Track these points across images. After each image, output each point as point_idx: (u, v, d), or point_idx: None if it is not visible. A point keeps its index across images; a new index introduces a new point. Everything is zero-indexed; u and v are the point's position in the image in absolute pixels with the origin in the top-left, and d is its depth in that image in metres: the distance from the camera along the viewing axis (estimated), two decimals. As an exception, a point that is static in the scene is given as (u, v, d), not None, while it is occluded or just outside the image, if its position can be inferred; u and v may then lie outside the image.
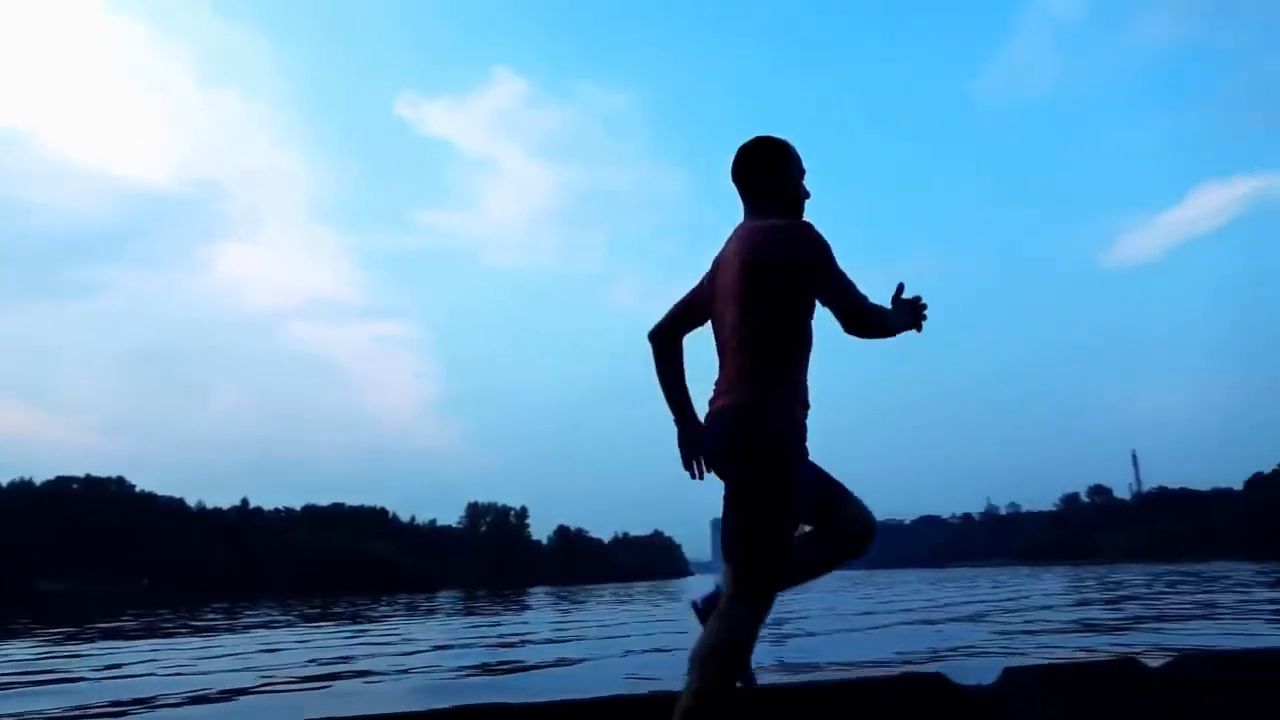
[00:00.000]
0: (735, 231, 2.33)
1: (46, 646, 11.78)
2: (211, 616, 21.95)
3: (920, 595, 18.31)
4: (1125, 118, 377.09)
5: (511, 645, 9.57)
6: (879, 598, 17.30)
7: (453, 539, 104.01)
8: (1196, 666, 2.86)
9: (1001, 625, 9.11)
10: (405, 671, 6.96)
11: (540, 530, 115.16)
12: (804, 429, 2.19)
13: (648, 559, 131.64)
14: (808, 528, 2.31)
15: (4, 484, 70.94)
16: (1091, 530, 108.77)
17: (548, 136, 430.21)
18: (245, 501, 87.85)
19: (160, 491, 79.61)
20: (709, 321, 2.40)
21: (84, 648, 11.40)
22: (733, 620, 2.08)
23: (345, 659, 8.28)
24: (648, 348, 2.47)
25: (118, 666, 8.22)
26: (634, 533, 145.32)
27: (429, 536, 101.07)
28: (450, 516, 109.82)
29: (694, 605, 2.32)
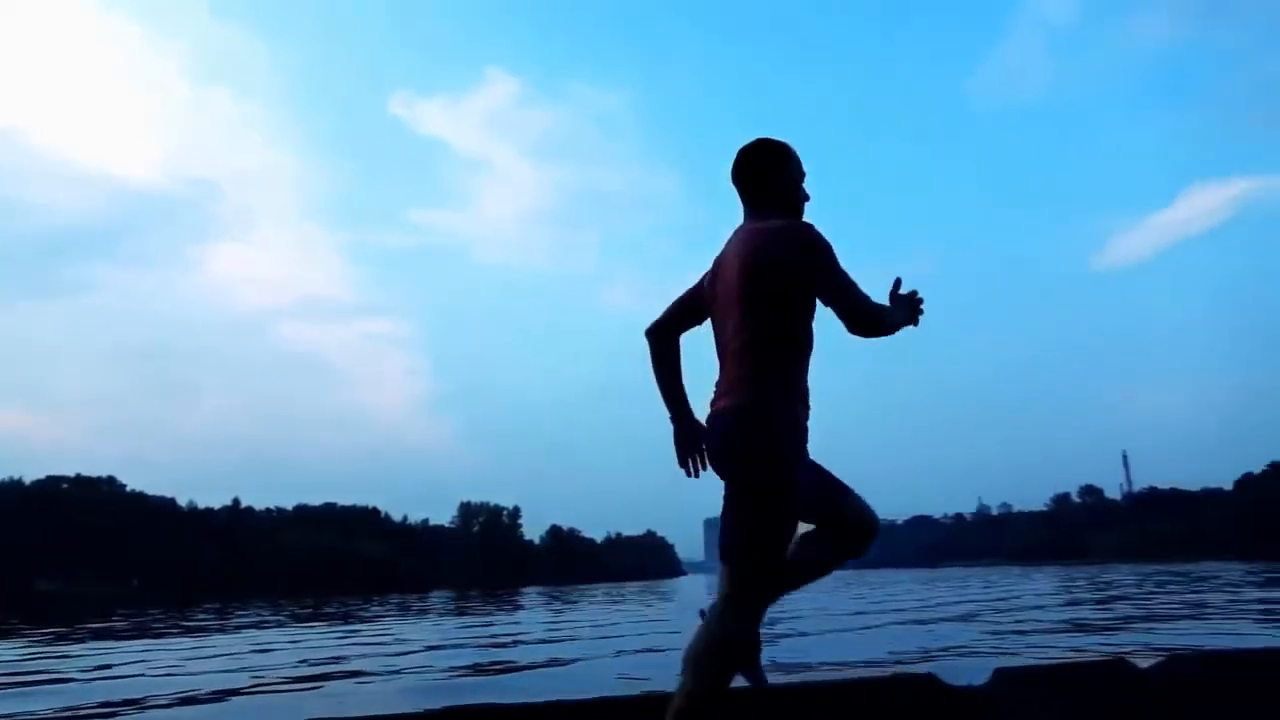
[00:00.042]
0: (736, 233, 2.33)
1: (36, 647, 11.72)
2: (203, 617, 21.87)
3: (912, 595, 18.36)
4: (1116, 119, 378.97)
5: (504, 645, 9.56)
6: (871, 598, 17.34)
7: (445, 539, 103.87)
8: (1186, 667, 2.88)
9: (993, 625, 9.14)
10: (397, 672, 6.94)
11: (533, 530, 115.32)
12: (805, 430, 2.19)
13: (640, 559, 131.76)
14: (808, 527, 2.32)
15: (-7, 483, 70.58)
16: (1082, 530, 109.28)
17: (541, 136, 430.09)
18: (237, 501, 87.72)
19: (151, 491, 79.43)
20: (706, 321, 2.41)
21: (74, 648, 11.34)
22: (728, 620, 2.08)
23: (337, 659, 8.26)
24: (642, 347, 2.47)
25: (108, 667, 8.18)
26: (627, 533, 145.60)
27: (421, 536, 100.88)
28: (443, 516, 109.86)
29: (702, 614, 2.31)
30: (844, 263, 2.19)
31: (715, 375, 2.29)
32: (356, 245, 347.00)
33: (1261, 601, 11.10)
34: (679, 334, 2.47)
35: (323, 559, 76.59)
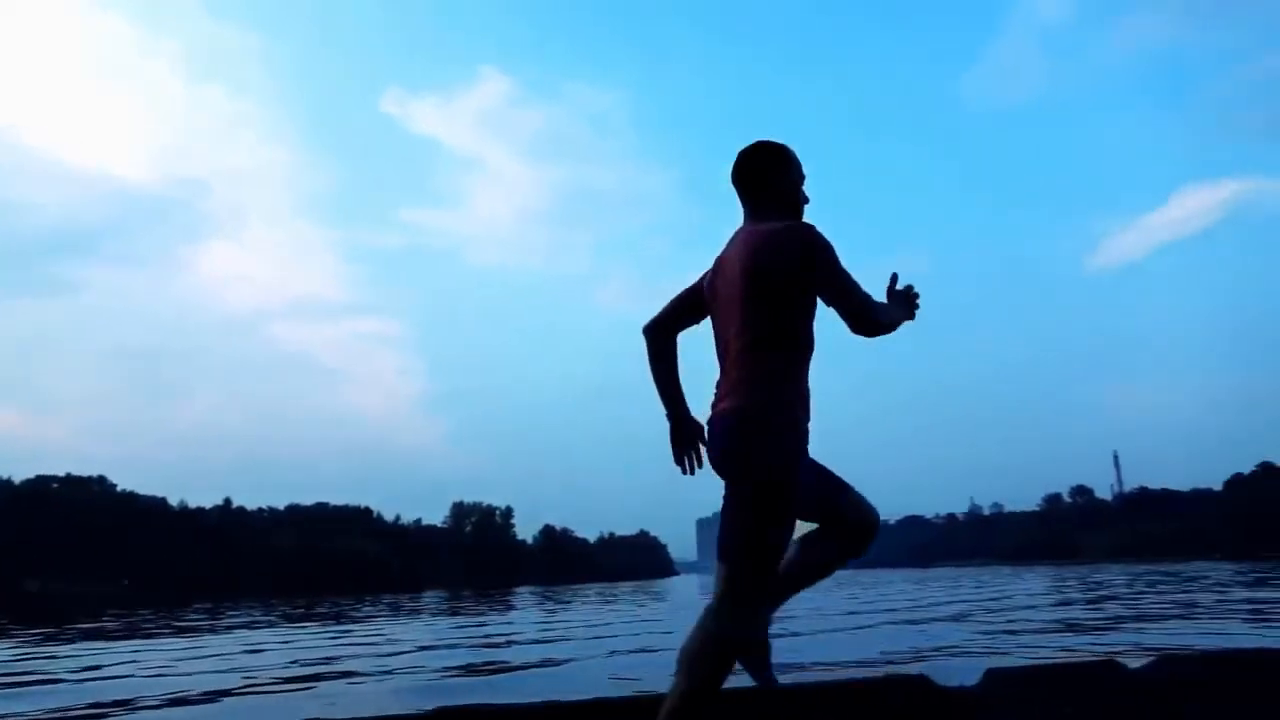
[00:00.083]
0: (736, 234, 2.34)
1: (25, 647, 11.66)
2: (194, 617, 21.79)
3: (904, 595, 18.41)
4: (1109, 120, 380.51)
5: (497, 645, 9.55)
6: (864, 598, 17.37)
7: (438, 539, 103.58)
8: (1177, 667, 2.89)
9: (984, 625, 9.18)
10: (390, 672, 6.93)
11: (525, 530, 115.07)
12: (806, 431, 2.20)
13: (633, 559, 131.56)
14: (808, 527, 2.33)
15: (-17, 483, 70.14)
16: (1073, 530, 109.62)
17: (534, 136, 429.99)
18: (228, 501, 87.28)
19: (142, 491, 78.93)
20: (704, 321, 2.41)
21: (63, 648, 11.28)
22: (725, 620, 2.09)
23: (329, 660, 8.24)
24: (636, 346, 2.47)
25: (98, 668, 8.14)
26: (620, 532, 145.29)
27: (414, 536, 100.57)
28: (435, 516, 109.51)
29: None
30: (844, 263, 2.20)
31: (715, 376, 2.30)
32: (349, 244, 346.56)
33: (1250, 601, 11.17)
34: (677, 332, 2.48)
35: (315, 559, 76.32)
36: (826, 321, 2.24)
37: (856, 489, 2.35)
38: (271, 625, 16.20)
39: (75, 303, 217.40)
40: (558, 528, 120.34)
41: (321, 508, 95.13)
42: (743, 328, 2.18)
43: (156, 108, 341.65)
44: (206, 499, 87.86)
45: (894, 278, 2.40)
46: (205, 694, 5.78)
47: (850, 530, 2.31)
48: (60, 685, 6.81)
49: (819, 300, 2.22)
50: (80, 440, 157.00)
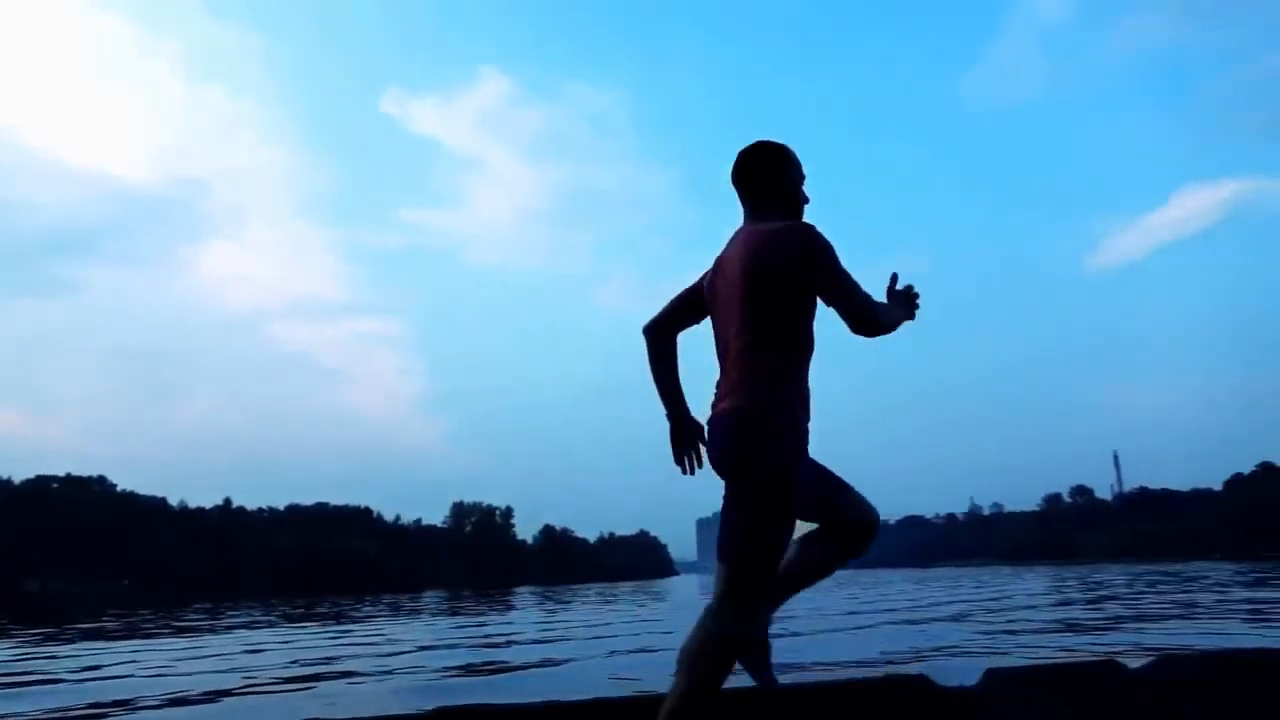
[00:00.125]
0: (736, 235, 2.34)
1: (25, 647, 11.66)
2: (194, 617, 21.79)
3: (904, 595, 18.41)
4: (1109, 120, 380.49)
5: (497, 645, 9.55)
6: (864, 597, 17.38)
7: (438, 539, 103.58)
8: (1176, 667, 2.89)
9: (984, 625, 9.18)
10: (390, 672, 6.93)
11: (526, 530, 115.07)
12: (806, 432, 2.20)
13: (633, 559, 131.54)
14: (807, 527, 2.33)
15: (-17, 483, 70.12)
16: (1073, 530, 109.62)
17: (534, 136, 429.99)
18: (228, 501, 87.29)
19: (142, 491, 78.95)
20: (703, 320, 2.41)
21: (63, 648, 11.29)
22: (724, 620, 2.09)
23: (329, 660, 8.24)
24: (636, 346, 2.47)
25: (98, 668, 8.14)
26: (620, 532, 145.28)
27: (414, 536, 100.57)
28: (435, 516, 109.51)
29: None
30: (844, 263, 2.20)
31: (715, 376, 2.30)
32: (349, 244, 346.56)
33: (1250, 601, 11.17)
34: (677, 332, 2.48)
35: (315, 559, 76.32)
36: (825, 322, 2.25)
37: (856, 489, 2.35)
38: (271, 625, 16.20)
39: (75, 303, 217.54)
40: (558, 528, 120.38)
41: (321, 508, 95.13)
42: (743, 328, 2.18)
43: (156, 108, 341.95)
44: (206, 499, 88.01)
45: (894, 278, 2.40)
46: (205, 694, 5.78)
47: (850, 530, 2.31)
48: (60, 685, 6.81)
49: (819, 300, 2.22)
50: (80, 440, 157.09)
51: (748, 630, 2.13)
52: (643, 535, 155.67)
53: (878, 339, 2.28)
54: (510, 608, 22.07)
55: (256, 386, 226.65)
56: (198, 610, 27.39)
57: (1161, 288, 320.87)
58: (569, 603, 23.69)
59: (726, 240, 2.37)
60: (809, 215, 2.39)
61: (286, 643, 11.07)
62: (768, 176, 2.33)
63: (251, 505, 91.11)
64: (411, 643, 10.48)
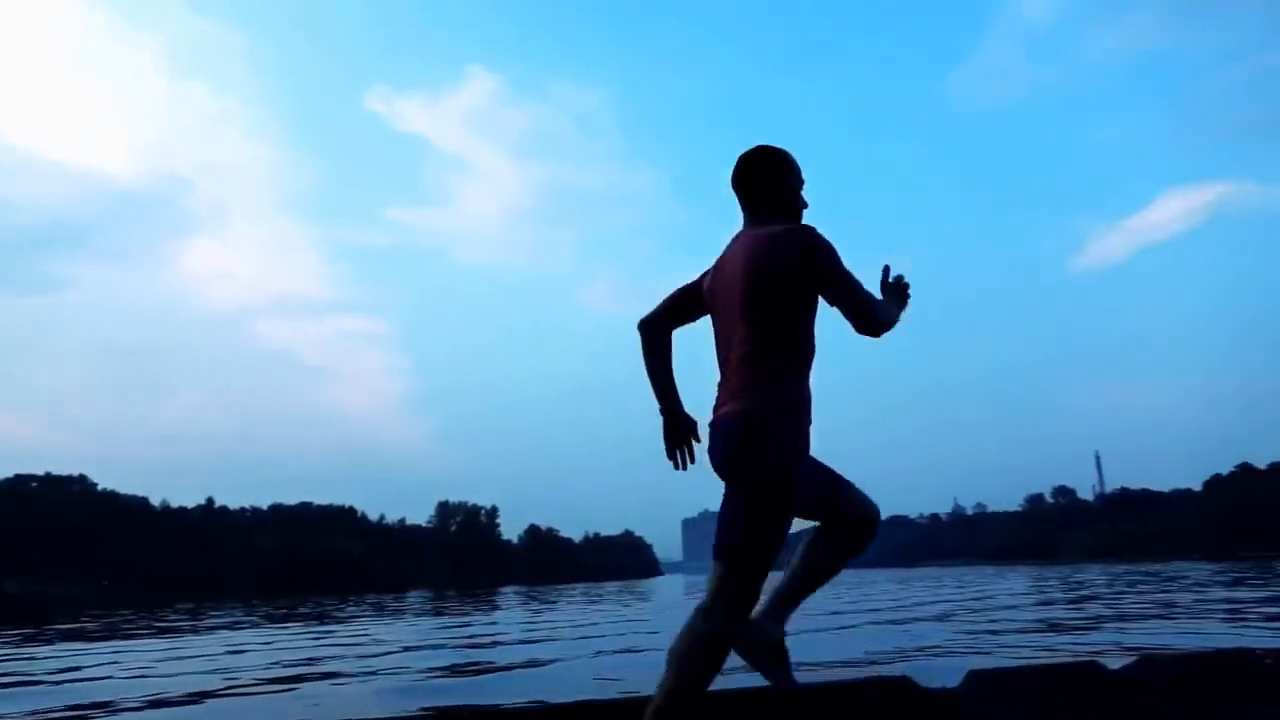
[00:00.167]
0: (736, 238, 2.35)
1: (3, 649, 11.52)
2: (175, 618, 21.61)
3: (888, 595, 18.48)
4: (1093, 122, 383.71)
5: (482, 646, 9.52)
6: (847, 597, 17.43)
7: (422, 538, 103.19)
8: (1156, 668, 2.92)
9: (967, 625, 9.23)
10: (373, 673, 6.89)
11: (511, 530, 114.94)
12: (808, 434, 2.22)
13: (618, 559, 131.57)
14: (805, 525, 2.35)
15: (-40, 482, 69.24)
16: (1055, 530, 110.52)
17: (521, 135, 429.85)
18: (210, 500, 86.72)
19: (123, 490, 78.38)
20: (700, 319, 2.43)
21: (42, 649, 11.17)
22: (717, 619, 2.11)
23: (312, 661, 8.19)
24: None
25: (77, 669, 8.06)
26: (605, 532, 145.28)
27: (398, 536, 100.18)
28: (420, 516, 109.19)
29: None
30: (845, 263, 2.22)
31: (711, 372, 2.32)
32: (333, 242, 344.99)
33: (1228, 601, 11.28)
34: (672, 329, 2.49)
35: (298, 559, 75.90)
36: (825, 324, 2.27)
37: (854, 485, 2.37)
38: (254, 626, 16.08)
39: (57, 299, 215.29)
40: (543, 527, 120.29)
41: (305, 507, 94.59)
42: (744, 331, 2.20)
43: (139, 104, 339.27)
44: (189, 498, 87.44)
45: (886, 270, 2.42)
46: (187, 696, 5.73)
47: (852, 528, 2.34)
48: (39, 687, 6.73)
49: (823, 301, 2.24)
50: (60, 439, 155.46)
51: (738, 630, 2.15)
52: (628, 535, 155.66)
53: (867, 340, 2.30)
54: (495, 608, 22.01)
55: (240, 384, 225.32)
56: (179, 611, 27.16)
57: (1145, 289, 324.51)
58: (554, 603, 23.65)
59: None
60: (808, 218, 2.41)
61: (269, 643, 10.99)
62: (767, 181, 2.34)
63: (234, 505, 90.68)
64: (396, 643, 10.43)
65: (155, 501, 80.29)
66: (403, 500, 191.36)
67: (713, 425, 2.25)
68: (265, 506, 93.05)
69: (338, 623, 16.23)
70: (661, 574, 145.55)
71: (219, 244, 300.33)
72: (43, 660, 9.39)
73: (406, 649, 9.56)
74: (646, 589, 39.83)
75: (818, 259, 2.16)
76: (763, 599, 2.29)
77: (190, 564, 70.41)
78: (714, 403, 2.27)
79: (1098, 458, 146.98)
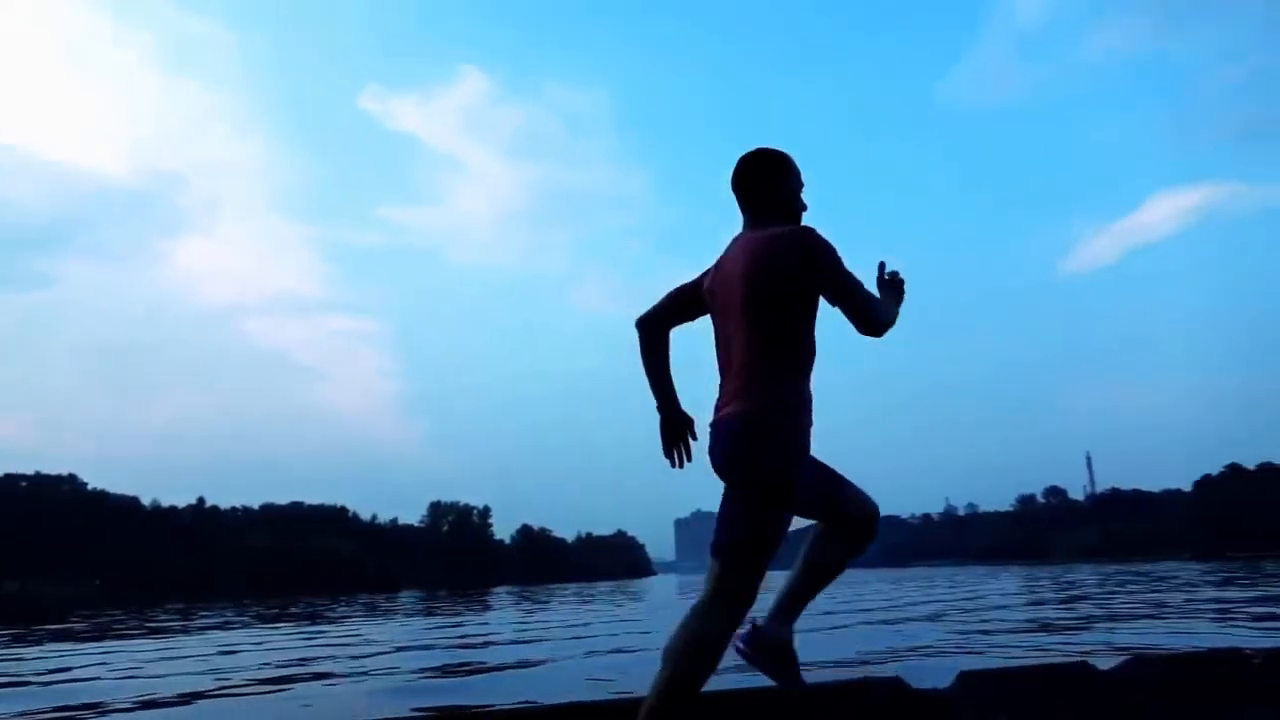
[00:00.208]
0: (736, 241, 2.35)
1: (-8, 649, 11.45)
2: (166, 618, 21.52)
3: (880, 595, 18.53)
4: (1084, 124, 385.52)
5: (474, 646, 9.51)
6: (840, 597, 17.46)
7: (414, 538, 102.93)
8: (1147, 668, 2.93)
9: (959, 625, 9.26)
10: (365, 674, 6.88)
11: (503, 530, 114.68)
12: (809, 435, 2.23)
13: (611, 559, 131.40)
14: (810, 522, 2.36)
15: (-52, 481, 68.78)
16: (1046, 530, 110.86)
17: (513, 135, 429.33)
18: (201, 500, 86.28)
19: (113, 490, 77.89)
20: (698, 319, 2.43)
21: (31, 650, 11.11)
22: (713, 618, 2.11)
23: (304, 661, 8.17)
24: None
25: (66, 670, 8.02)
26: (597, 532, 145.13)
27: (390, 536, 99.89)
28: (412, 516, 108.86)
29: (739, 650, 2.32)
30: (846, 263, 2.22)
31: (713, 375, 2.32)
32: (325, 240, 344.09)
33: (1217, 601, 11.35)
34: (670, 327, 2.48)
35: (290, 559, 75.62)
36: (819, 323, 2.27)
37: (853, 483, 2.38)
38: (245, 626, 16.03)
39: (47, 297, 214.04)
40: (535, 527, 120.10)
41: (296, 507, 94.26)
42: (745, 332, 2.20)
43: (130, 101, 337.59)
44: (179, 498, 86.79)
45: (881, 266, 2.43)
46: (178, 696, 5.70)
47: (853, 527, 2.34)
48: (27, 688, 6.69)
49: (824, 302, 2.24)
50: (50, 438, 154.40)
51: (733, 629, 2.15)
52: (620, 535, 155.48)
53: (863, 340, 2.31)
54: (487, 608, 21.99)
55: (231, 383, 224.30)
56: (170, 611, 27.05)
57: (1135, 291, 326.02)
58: (546, 603, 23.63)
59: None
60: (807, 219, 2.41)
61: (260, 644, 10.96)
62: (767, 184, 2.35)
63: (225, 504, 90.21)
64: (387, 643, 10.41)
65: (146, 501, 79.94)
66: (395, 500, 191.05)
67: (714, 426, 2.25)
68: (257, 506, 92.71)
69: (329, 623, 16.19)
70: (654, 574, 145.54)
71: (210, 242, 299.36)
72: (31, 661, 9.34)
73: (398, 649, 9.54)
74: (639, 589, 39.84)
75: (818, 260, 2.16)
76: (764, 599, 2.30)
77: (181, 564, 70.04)
78: (715, 404, 2.27)
79: (1088, 458, 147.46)
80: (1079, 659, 3.07)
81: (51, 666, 8.42)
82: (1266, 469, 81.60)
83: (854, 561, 2.42)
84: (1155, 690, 2.70)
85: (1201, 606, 10.49)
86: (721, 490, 2.26)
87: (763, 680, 2.38)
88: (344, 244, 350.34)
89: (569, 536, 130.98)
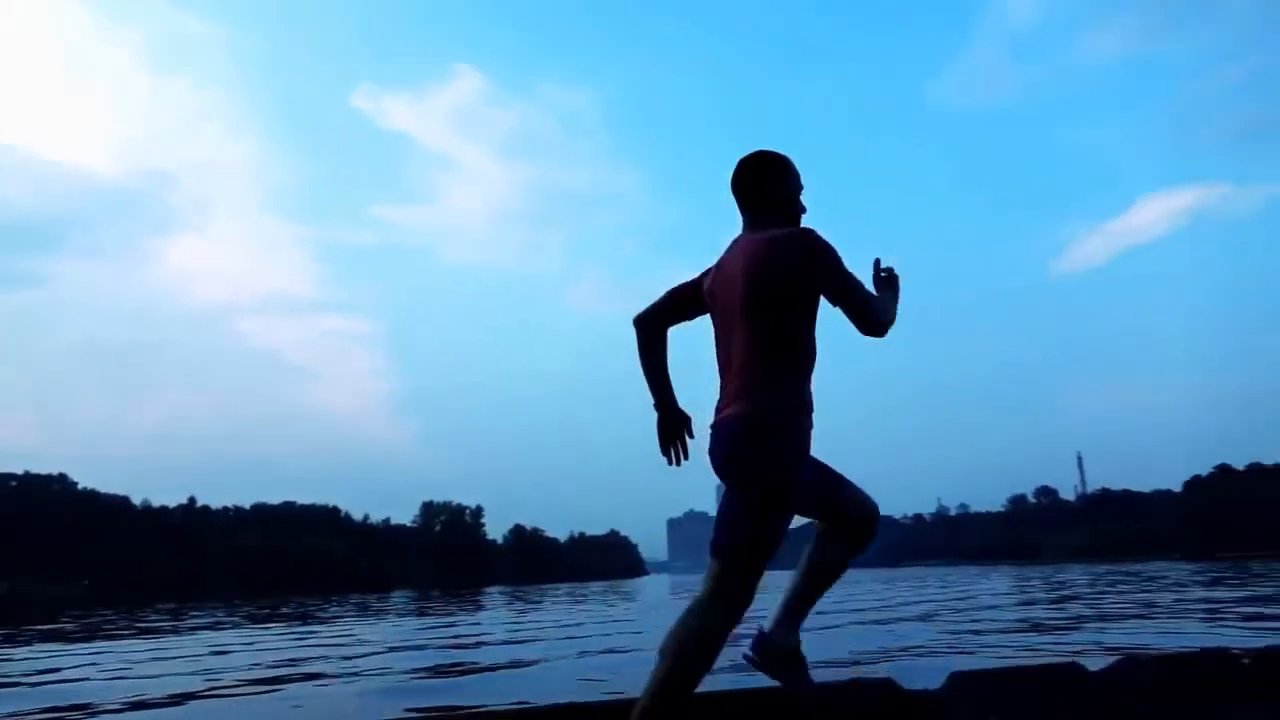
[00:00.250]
0: (736, 242, 2.36)
1: (-20, 650, 11.38)
2: (156, 618, 21.43)
3: (872, 595, 18.56)
4: (1076, 125, 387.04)
5: (466, 646, 9.49)
6: (832, 597, 17.38)
7: (406, 538, 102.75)
8: (1137, 668, 2.95)
9: (951, 625, 9.28)
10: (357, 674, 6.86)
11: (496, 530, 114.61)
12: (809, 436, 2.24)
13: (604, 559, 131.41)
14: (809, 521, 2.37)
15: (-63, 480, 68.38)
16: (1038, 531, 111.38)
17: (507, 134, 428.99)
18: (192, 500, 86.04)
19: (104, 489, 77.58)
20: (696, 319, 2.44)
21: (20, 651, 11.04)
22: (711, 618, 2.12)
23: (295, 661, 8.14)
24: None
25: (56, 670, 7.98)
26: (590, 532, 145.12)
27: (382, 536, 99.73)
28: (404, 516, 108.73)
29: (747, 658, 2.34)
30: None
31: (711, 375, 2.33)
32: (318, 240, 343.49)
33: (1206, 601, 11.40)
34: (668, 326, 2.49)
35: (281, 559, 75.43)
36: (824, 326, 2.29)
37: (853, 483, 2.39)
38: (236, 626, 15.97)
39: (37, 296, 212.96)
40: (528, 527, 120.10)
41: (288, 507, 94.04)
42: (745, 334, 2.21)
43: (121, 99, 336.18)
44: (170, 498, 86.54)
45: (877, 263, 2.45)
46: (168, 697, 5.68)
47: (853, 526, 2.36)
48: (15, 689, 6.65)
49: (824, 302, 2.25)
50: (40, 437, 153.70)
51: (730, 628, 2.15)
52: (613, 535, 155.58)
53: (858, 341, 2.32)
54: (480, 608, 21.95)
55: (223, 383, 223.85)
56: (161, 611, 26.94)
57: (1127, 292, 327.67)
58: (539, 603, 23.61)
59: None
60: (806, 220, 2.42)
61: (252, 644, 10.92)
62: (766, 186, 2.35)
63: (216, 504, 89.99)
64: (379, 644, 10.39)
65: (136, 501, 79.68)
66: (387, 500, 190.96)
67: (714, 428, 2.26)
68: (248, 506, 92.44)
69: (321, 623, 16.14)
70: (647, 574, 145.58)
71: (202, 241, 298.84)
72: (20, 661, 9.29)
73: (390, 649, 9.52)
74: (632, 589, 39.83)
75: (818, 261, 2.17)
76: (762, 598, 2.30)
77: (172, 564, 69.80)
78: (715, 405, 2.28)
79: (1079, 459, 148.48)
80: (1070, 659, 3.09)
81: (41, 667, 8.37)
82: (1256, 470, 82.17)
83: (852, 561, 2.44)
84: (1146, 690, 2.72)
85: (1191, 606, 10.54)
86: (716, 491, 2.27)
87: (759, 680, 2.39)
88: (336, 243, 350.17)
89: (561, 536, 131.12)
